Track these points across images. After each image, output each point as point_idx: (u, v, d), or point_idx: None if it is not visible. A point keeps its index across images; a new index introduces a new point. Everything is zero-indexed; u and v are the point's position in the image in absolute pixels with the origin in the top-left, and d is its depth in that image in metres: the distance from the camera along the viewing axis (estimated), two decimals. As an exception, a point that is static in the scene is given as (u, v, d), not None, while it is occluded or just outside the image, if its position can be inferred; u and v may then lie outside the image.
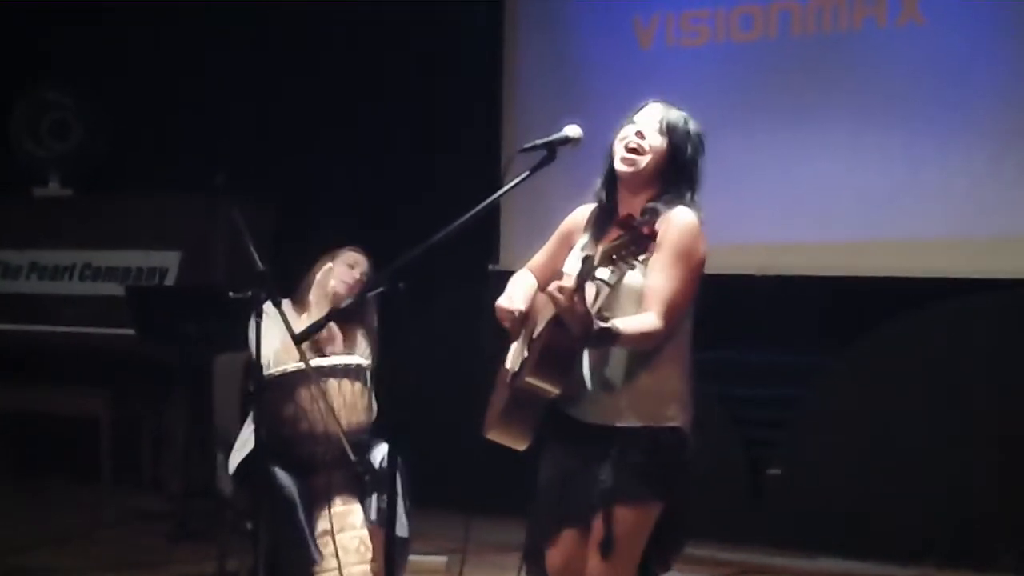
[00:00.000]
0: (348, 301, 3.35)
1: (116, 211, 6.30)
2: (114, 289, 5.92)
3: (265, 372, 3.78)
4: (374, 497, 3.80)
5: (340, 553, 3.69)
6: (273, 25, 6.37)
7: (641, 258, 2.61)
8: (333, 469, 3.79)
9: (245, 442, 3.89)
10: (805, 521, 5.18)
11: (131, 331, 5.44)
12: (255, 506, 3.69)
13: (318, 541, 3.73)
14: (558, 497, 2.87)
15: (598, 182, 2.96)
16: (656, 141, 2.87)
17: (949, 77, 5.03)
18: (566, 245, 2.99)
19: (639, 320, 2.71)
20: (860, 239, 5.18)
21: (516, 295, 2.95)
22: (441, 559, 4.67)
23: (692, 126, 2.92)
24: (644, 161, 2.86)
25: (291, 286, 4.07)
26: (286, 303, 3.86)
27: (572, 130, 2.92)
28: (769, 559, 5.11)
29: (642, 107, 2.95)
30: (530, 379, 2.74)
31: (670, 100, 2.96)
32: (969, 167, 4.99)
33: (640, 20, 5.68)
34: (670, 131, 2.88)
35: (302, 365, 3.76)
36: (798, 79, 5.35)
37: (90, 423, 5.95)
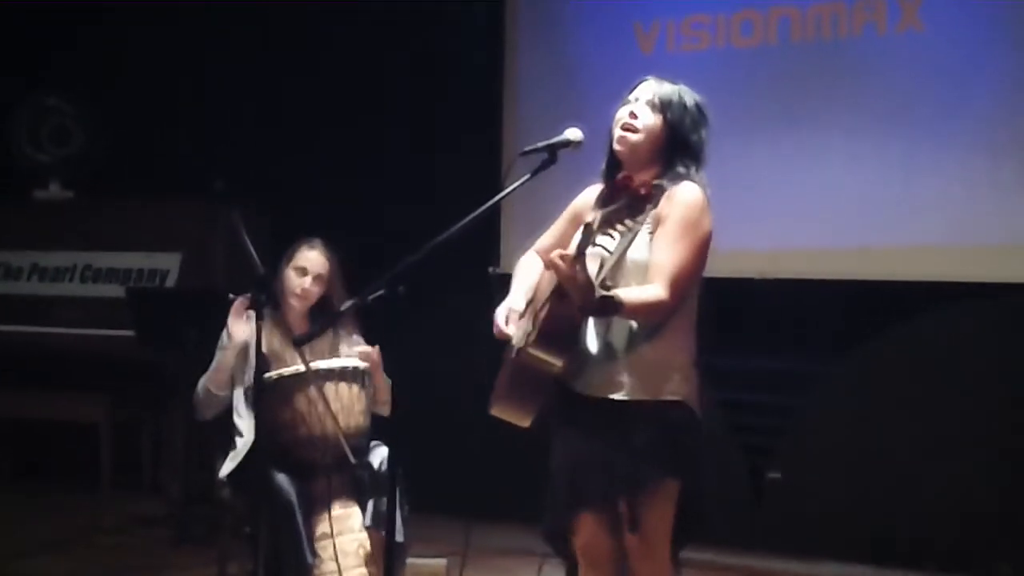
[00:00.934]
0: (348, 304, 3.33)
1: (117, 213, 6.31)
2: (115, 291, 5.92)
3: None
4: (371, 501, 3.79)
5: (339, 556, 3.68)
6: (273, 26, 6.38)
7: (644, 224, 2.58)
8: (332, 473, 3.77)
9: (239, 449, 3.89)
10: (805, 526, 5.18)
11: (131, 333, 5.44)
12: (254, 511, 3.68)
13: (317, 544, 3.71)
14: (570, 482, 2.86)
15: (603, 165, 2.96)
16: (650, 119, 2.86)
17: (949, 84, 5.04)
18: (576, 225, 2.94)
19: (643, 291, 2.70)
20: (860, 245, 5.19)
21: (516, 298, 2.96)
22: (441, 562, 4.67)
23: (688, 98, 2.91)
24: (636, 138, 2.85)
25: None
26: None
27: (573, 133, 2.92)
28: (769, 563, 5.11)
29: (637, 85, 2.94)
30: (533, 351, 2.73)
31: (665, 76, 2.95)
32: (968, 173, 5.00)
33: (641, 25, 5.69)
34: (663, 107, 2.87)
35: (299, 368, 3.75)
36: (798, 85, 5.36)
37: (90, 427, 5.94)
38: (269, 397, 3.76)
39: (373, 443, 3.93)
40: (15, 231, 6.44)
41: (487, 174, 5.36)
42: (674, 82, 2.95)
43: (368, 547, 3.76)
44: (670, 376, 2.80)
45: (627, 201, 2.56)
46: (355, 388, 3.86)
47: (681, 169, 2.85)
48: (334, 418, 3.73)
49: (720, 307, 4.69)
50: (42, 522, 5.61)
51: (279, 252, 4.08)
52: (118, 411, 5.98)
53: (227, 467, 3.93)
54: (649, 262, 2.73)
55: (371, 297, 2.90)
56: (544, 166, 2.89)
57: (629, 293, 2.67)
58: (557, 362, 2.74)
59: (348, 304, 3.25)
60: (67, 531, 5.46)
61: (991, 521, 4.87)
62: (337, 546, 3.69)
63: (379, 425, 3.92)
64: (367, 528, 3.78)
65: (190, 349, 4.96)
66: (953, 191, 5.02)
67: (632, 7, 5.73)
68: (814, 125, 5.31)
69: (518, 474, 3.00)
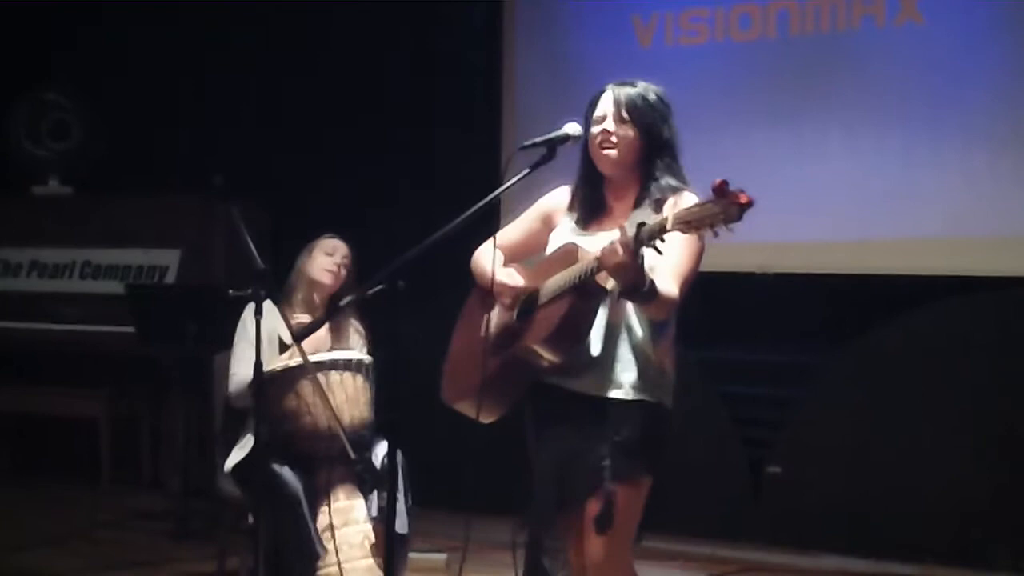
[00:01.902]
0: (348, 299, 3.34)
1: (116, 209, 6.31)
2: (114, 287, 5.92)
3: (265, 369, 3.77)
4: (375, 494, 3.80)
5: (344, 548, 3.68)
6: (273, 25, 6.37)
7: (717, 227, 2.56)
8: (336, 464, 3.78)
9: (246, 441, 3.89)
10: (804, 519, 5.18)
11: (131, 329, 5.44)
12: (256, 504, 3.68)
13: (323, 536, 3.72)
14: (556, 481, 2.87)
15: (577, 178, 2.96)
16: (623, 131, 2.85)
17: (947, 77, 5.03)
18: (546, 224, 3.00)
19: (663, 284, 2.71)
20: (859, 238, 5.19)
21: (512, 272, 2.98)
22: (441, 556, 4.68)
23: (650, 95, 2.89)
24: (617, 155, 2.85)
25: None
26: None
27: (572, 128, 2.92)
28: (768, 557, 5.11)
29: (597, 99, 2.91)
30: (537, 347, 2.74)
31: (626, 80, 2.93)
32: (966, 166, 5.00)
33: (640, 19, 5.69)
34: (631, 114, 2.85)
35: (302, 360, 3.76)
36: (796, 78, 5.35)
37: (89, 422, 5.95)
38: (276, 387, 3.77)
39: (377, 436, 3.93)
40: (14, 227, 6.44)
41: (486, 169, 5.37)
42: (632, 83, 2.92)
43: (373, 538, 3.76)
44: (662, 380, 2.86)
45: (722, 206, 2.52)
46: (359, 379, 3.87)
47: (661, 164, 2.85)
48: (337, 409, 3.74)
49: (720, 301, 4.73)
50: (42, 517, 5.62)
51: (279, 249, 4.09)
52: (117, 406, 6.00)
53: (233, 458, 3.93)
54: (654, 264, 2.75)
55: (371, 292, 2.91)
56: (543, 161, 2.89)
57: (659, 284, 2.69)
58: (556, 359, 2.74)
59: (347, 299, 3.26)
60: (67, 526, 5.46)
61: (990, 514, 4.88)
62: (343, 538, 3.70)
63: (380, 419, 3.92)
64: (372, 520, 3.79)
65: (189, 345, 4.97)
66: (953, 184, 5.02)
67: (631, 0, 5.72)
68: (813, 118, 5.30)
69: (519, 469, 2.99)
